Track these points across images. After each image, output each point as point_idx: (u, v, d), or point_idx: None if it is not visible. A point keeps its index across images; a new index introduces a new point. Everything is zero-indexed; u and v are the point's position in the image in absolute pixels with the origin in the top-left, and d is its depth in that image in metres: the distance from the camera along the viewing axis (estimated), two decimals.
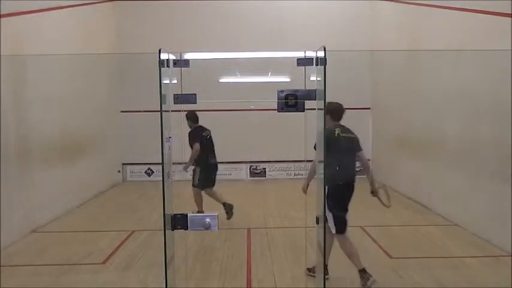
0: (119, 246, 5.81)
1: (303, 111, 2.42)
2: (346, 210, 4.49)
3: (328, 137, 4.26)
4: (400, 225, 6.77)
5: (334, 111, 4.49)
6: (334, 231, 4.38)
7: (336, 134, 4.38)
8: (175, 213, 2.34)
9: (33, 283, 4.64)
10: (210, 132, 7.02)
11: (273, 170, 11.55)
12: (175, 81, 2.43)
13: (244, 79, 10.14)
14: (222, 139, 10.71)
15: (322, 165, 2.38)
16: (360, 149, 4.59)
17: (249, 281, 4.57)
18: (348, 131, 4.54)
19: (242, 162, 11.41)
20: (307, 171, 4.66)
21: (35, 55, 6.44)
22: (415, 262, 5.09)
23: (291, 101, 2.38)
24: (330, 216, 4.34)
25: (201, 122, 6.98)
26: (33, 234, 6.45)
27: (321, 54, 2.27)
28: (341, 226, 4.41)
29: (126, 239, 6.12)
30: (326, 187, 4.26)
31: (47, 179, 7.04)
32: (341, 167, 4.27)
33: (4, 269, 4.87)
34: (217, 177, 7.07)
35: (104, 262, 5.20)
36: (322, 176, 2.38)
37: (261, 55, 4.58)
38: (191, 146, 6.72)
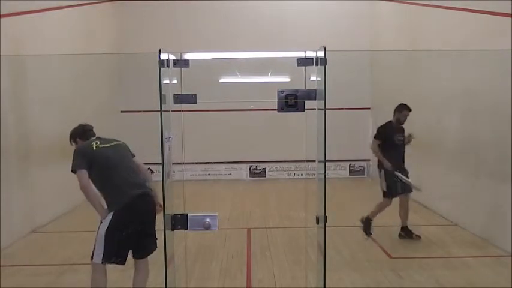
0: None
1: (303, 111, 2.43)
2: (143, 236, 3.67)
3: (85, 153, 3.71)
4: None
5: (83, 133, 4.00)
6: (99, 260, 3.68)
7: (95, 147, 3.72)
8: (175, 213, 2.34)
9: (33, 283, 4.63)
10: None
11: (273, 170, 11.54)
12: (175, 81, 2.43)
13: (244, 79, 10.14)
14: (222, 139, 10.83)
15: (321, 165, 2.39)
16: (133, 155, 3.93)
17: (249, 281, 4.57)
18: (110, 140, 3.89)
19: (242, 162, 11.41)
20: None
21: (35, 55, 6.44)
22: (415, 262, 5.09)
23: (291, 101, 2.38)
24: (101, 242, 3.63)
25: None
26: (33, 234, 6.44)
27: (321, 54, 2.27)
28: (111, 257, 3.64)
29: None
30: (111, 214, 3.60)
31: (47, 178, 7.03)
32: (121, 184, 3.59)
33: (4, 269, 4.87)
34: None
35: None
36: (322, 176, 2.38)
37: (261, 55, 4.54)
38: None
